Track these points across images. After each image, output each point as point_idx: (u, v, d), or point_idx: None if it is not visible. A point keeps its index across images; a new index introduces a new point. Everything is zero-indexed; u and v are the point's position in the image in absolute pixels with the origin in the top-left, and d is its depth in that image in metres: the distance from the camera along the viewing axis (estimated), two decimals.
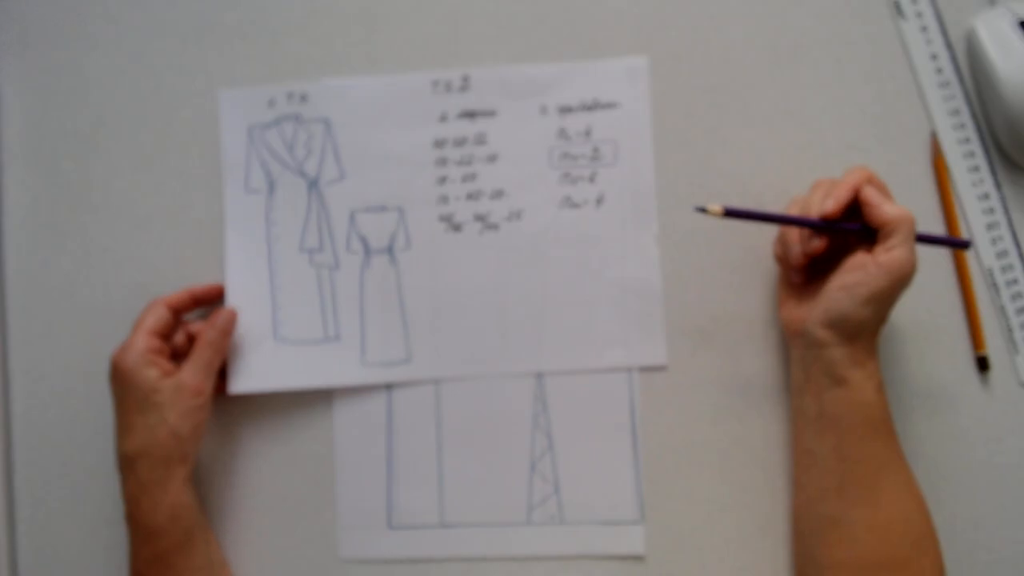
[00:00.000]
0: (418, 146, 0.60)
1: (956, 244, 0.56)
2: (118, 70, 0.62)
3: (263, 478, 0.60)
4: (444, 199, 0.60)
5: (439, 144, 0.60)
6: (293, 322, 0.60)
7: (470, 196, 0.60)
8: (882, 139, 0.59)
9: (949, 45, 0.59)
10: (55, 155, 0.62)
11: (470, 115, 0.60)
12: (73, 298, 0.61)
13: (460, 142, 0.60)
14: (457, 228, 0.59)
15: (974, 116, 0.59)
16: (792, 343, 0.55)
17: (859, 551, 0.50)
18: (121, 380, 0.54)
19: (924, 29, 0.59)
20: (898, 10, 0.60)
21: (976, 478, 0.58)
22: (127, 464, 0.54)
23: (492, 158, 0.60)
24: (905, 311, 0.59)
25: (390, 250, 0.60)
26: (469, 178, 0.60)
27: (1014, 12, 0.57)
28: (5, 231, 0.62)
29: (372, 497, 0.59)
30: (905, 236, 0.50)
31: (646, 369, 0.59)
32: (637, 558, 0.58)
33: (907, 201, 0.59)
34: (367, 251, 0.60)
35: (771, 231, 0.57)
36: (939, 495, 0.57)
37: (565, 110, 0.59)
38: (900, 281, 0.50)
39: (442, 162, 0.60)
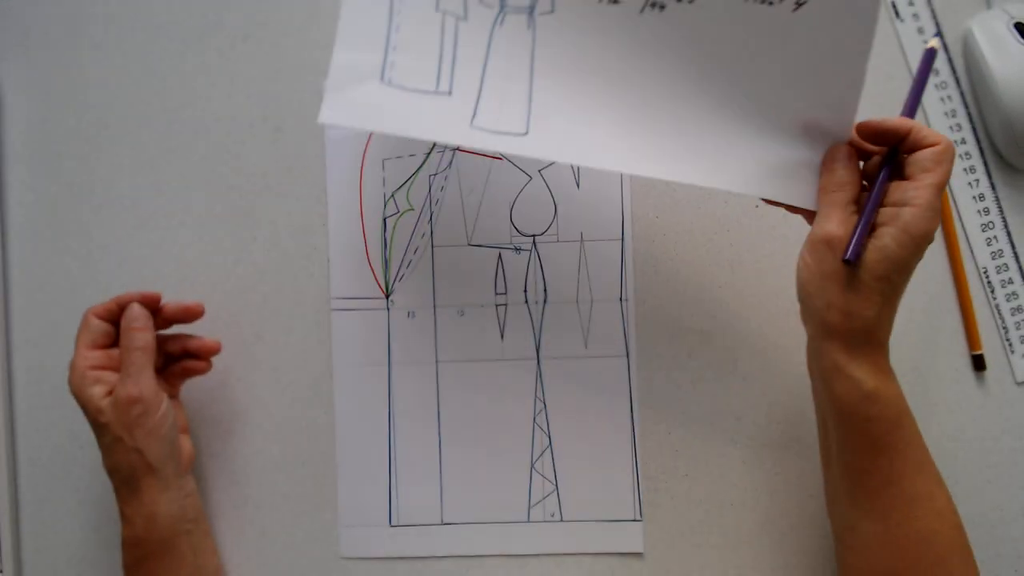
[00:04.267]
0: None
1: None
2: (120, 71, 0.62)
3: (264, 476, 0.60)
4: None
5: None
6: (403, 66, 0.51)
7: None
8: None
9: (945, 47, 0.60)
10: (57, 155, 0.62)
11: None
12: (76, 297, 0.61)
13: None
14: None
15: (970, 117, 0.59)
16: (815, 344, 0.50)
17: (872, 562, 0.48)
18: (76, 401, 0.53)
19: (920, 31, 0.60)
20: (895, 12, 0.60)
21: (972, 477, 0.58)
22: (108, 475, 0.54)
23: None
24: (901, 311, 0.59)
25: (531, 10, 0.50)
26: None
27: (1009, 14, 0.58)
28: (8, 231, 0.62)
29: (373, 495, 0.59)
30: (942, 170, 0.45)
31: (644, 368, 0.59)
32: (636, 555, 0.58)
33: None
34: (503, 6, 0.51)
35: (768, 232, 0.58)
36: None
37: None
38: (925, 238, 0.46)
39: None
